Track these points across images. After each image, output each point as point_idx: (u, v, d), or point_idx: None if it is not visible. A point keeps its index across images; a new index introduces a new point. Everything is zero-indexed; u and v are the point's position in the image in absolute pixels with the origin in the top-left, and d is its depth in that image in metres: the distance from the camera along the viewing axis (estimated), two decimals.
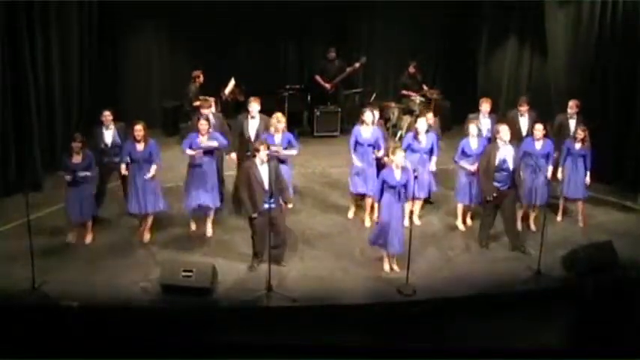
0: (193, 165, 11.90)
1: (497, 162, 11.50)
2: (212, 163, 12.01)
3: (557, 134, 13.32)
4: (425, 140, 12.49)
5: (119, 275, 10.84)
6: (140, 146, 11.54)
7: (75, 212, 11.55)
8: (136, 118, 11.79)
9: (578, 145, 12.65)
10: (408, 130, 13.54)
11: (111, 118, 12.12)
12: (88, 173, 11.39)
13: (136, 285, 10.57)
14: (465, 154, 12.39)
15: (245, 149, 12.52)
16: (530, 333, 9.84)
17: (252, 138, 12.40)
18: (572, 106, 13.33)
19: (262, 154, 10.68)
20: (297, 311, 10.14)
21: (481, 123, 13.09)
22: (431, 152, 12.67)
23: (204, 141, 11.72)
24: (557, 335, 9.94)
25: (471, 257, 11.84)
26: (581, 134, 12.62)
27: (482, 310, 10.41)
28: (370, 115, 12.48)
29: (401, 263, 11.11)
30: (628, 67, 14.55)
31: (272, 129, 12.21)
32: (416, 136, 12.46)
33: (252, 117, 12.58)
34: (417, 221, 12.74)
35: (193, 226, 12.30)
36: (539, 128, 12.42)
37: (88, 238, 11.82)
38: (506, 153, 11.52)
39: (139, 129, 11.50)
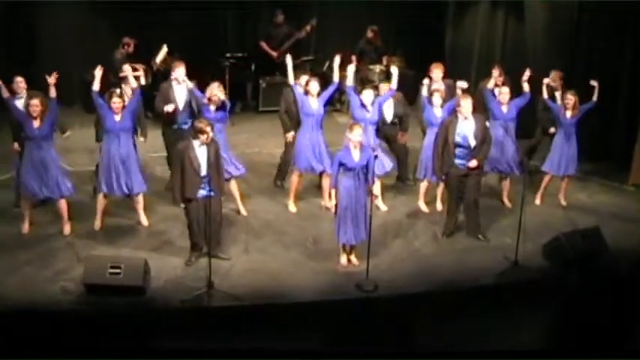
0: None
1: (455, 137, 11.62)
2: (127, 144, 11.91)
3: (546, 111, 13.49)
4: (373, 111, 12.54)
5: (34, 274, 10.68)
6: (37, 123, 11.37)
7: None
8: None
9: (569, 114, 12.78)
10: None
11: (24, 85, 11.98)
12: None
13: (55, 284, 10.43)
14: (431, 124, 12.65)
15: (174, 122, 12.72)
16: (507, 332, 9.91)
17: (181, 107, 12.65)
18: (554, 78, 13.41)
19: (205, 137, 10.59)
20: (243, 311, 10.09)
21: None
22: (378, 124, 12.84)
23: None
24: (537, 334, 9.97)
25: (439, 247, 11.90)
26: (571, 99, 12.74)
27: (453, 307, 10.41)
28: (316, 86, 12.53)
29: (360, 255, 11.11)
30: (614, 30, 14.76)
31: (205, 100, 12.26)
32: (363, 106, 12.50)
33: (178, 84, 12.69)
34: (382, 206, 12.90)
35: (98, 223, 12.11)
36: (505, 91, 12.71)
37: None
38: (466, 128, 11.64)
39: (35, 104, 11.33)
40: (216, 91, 12.18)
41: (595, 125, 14.24)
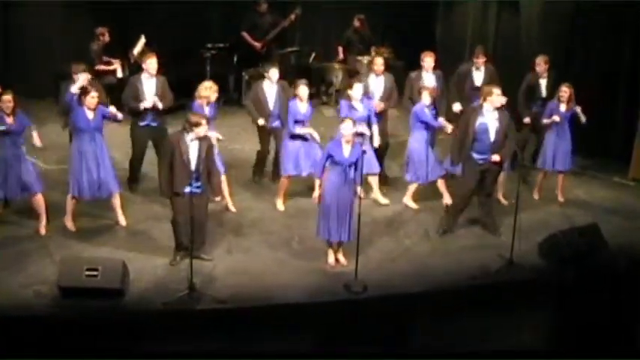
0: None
1: (476, 129, 11.56)
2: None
3: (526, 96, 13.58)
4: (362, 107, 12.59)
5: (5, 277, 10.57)
6: (10, 119, 11.33)
7: None
8: (24, 86, 11.54)
9: (563, 107, 12.79)
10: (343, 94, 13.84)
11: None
12: None
13: (28, 288, 10.33)
14: (418, 123, 12.64)
15: (140, 118, 12.74)
16: (502, 333, 9.92)
17: (150, 103, 12.61)
18: (539, 62, 13.64)
19: (201, 130, 10.53)
20: (226, 314, 10.05)
21: (424, 80, 13.40)
22: (369, 121, 12.80)
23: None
24: (534, 334, 9.99)
25: (431, 246, 11.87)
26: (566, 92, 12.79)
27: (446, 307, 10.41)
28: (306, 90, 12.65)
29: (348, 254, 11.07)
30: (610, 27, 14.83)
31: (200, 100, 12.24)
32: (351, 104, 12.54)
33: (149, 77, 12.70)
34: (382, 200, 13.04)
35: (70, 224, 12.01)
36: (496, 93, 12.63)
37: None
38: (489, 120, 11.57)
39: (7, 99, 11.29)
40: (206, 92, 12.18)
41: (593, 119, 14.27)
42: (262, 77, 13.47)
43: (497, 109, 11.54)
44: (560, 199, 13.27)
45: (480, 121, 11.56)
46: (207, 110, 12.15)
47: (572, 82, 12.99)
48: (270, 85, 13.12)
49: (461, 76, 13.95)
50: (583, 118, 12.86)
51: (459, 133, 11.85)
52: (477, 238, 12.03)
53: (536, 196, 13.32)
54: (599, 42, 15.18)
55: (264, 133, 13.46)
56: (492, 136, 11.54)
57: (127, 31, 16.27)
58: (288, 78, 14.41)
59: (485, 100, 11.59)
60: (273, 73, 12.98)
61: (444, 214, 12.22)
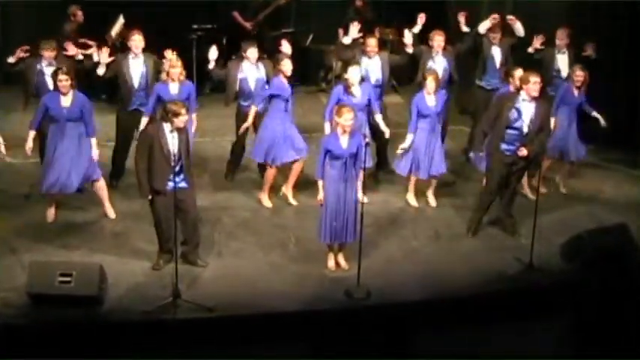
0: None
1: (511, 116, 11.49)
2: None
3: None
4: (359, 93, 12.57)
5: None
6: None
7: None
8: None
9: (576, 92, 12.86)
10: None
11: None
12: None
13: None
14: (421, 115, 12.57)
15: (128, 103, 12.75)
16: (518, 343, 9.90)
17: (137, 85, 12.67)
18: (561, 36, 13.72)
19: (180, 120, 10.47)
20: (214, 324, 10.01)
21: (435, 62, 13.53)
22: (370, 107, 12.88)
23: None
24: (553, 346, 9.99)
25: (441, 248, 11.88)
26: (580, 76, 12.84)
27: (458, 316, 10.37)
28: (290, 65, 12.61)
29: (350, 257, 11.03)
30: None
31: (163, 75, 12.34)
32: (347, 90, 12.53)
33: (135, 56, 12.70)
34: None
35: (51, 215, 12.10)
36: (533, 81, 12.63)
37: None
38: (524, 110, 11.51)
39: (64, 78, 11.41)
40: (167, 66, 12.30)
41: (620, 110, 14.30)
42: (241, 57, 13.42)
43: (535, 98, 11.47)
44: (563, 190, 13.46)
45: (513, 109, 11.49)
46: (173, 89, 12.27)
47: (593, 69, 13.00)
48: (249, 66, 13.09)
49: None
50: (603, 122, 13.04)
51: (488, 120, 11.80)
52: (492, 239, 12.02)
53: (543, 190, 13.20)
54: (621, 27, 15.15)
55: (242, 121, 13.34)
56: (525, 128, 11.48)
57: (104, 10, 16.18)
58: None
59: (520, 87, 11.57)
60: (252, 52, 13.03)
61: (472, 213, 12.18)
